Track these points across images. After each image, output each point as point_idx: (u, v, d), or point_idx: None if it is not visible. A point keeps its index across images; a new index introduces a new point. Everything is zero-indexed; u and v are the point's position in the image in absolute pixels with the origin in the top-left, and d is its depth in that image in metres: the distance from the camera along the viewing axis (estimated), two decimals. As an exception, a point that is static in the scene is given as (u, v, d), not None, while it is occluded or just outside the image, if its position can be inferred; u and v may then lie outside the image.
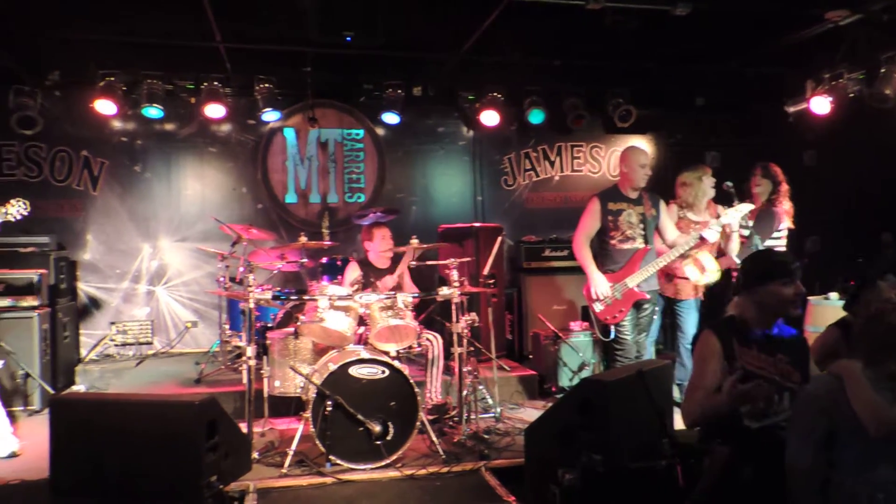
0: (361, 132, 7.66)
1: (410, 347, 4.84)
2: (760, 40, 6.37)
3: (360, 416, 4.12)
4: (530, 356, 6.68)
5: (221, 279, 6.13)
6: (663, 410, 3.32)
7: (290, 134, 7.50)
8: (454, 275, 4.70)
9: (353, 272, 5.40)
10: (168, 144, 7.27)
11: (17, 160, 6.87)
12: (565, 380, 5.84)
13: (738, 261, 5.05)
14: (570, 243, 4.96)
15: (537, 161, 8.09)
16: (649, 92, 7.67)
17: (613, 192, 4.89)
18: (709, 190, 5.43)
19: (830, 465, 2.44)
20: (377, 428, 4.15)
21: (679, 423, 3.56)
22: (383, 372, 4.26)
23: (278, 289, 5.39)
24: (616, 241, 4.78)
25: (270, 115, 7.01)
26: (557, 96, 7.48)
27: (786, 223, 5.37)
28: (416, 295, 4.86)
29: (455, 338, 4.69)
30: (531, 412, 5.35)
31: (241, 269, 5.98)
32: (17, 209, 4.46)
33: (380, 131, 7.67)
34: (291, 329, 4.89)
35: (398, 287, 5.31)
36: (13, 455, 4.35)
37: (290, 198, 7.51)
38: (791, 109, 7.14)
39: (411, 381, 4.28)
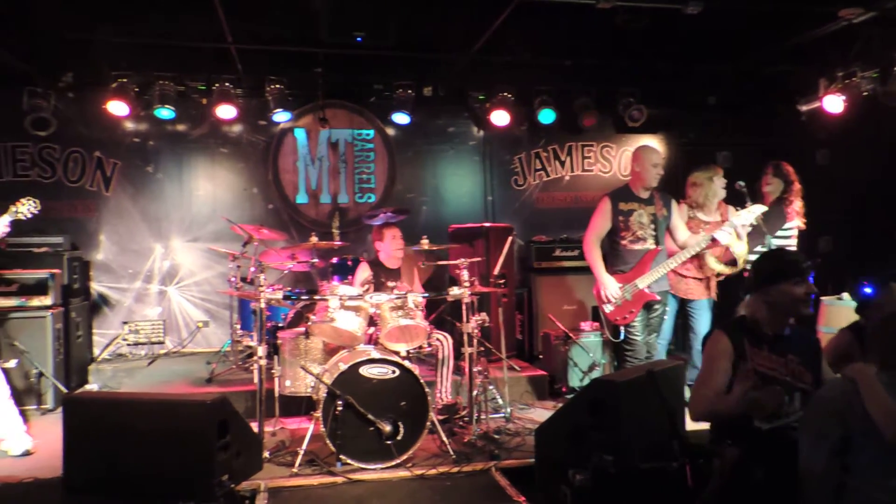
0: (372, 132, 7.67)
1: (421, 347, 4.84)
2: (773, 39, 6.33)
3: (370, 416, 4.12)
4: (540, 356, 6.67)
5: (233, 279, 6.16)
6: (674, 411, 3.30)
7: (300, 134, 7.52)
8: (465, 275, 4.69)
9: (364, 272, 5.41)
10: (180, 145, 7.31)
11: (31, 161, 6.93)
12: (576, 380, 5.82)
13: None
14: (580, 243, 4.93)
15: (548, 161, 8.08)
16: (660, 91, 7.63)
17: (624, 192, 4.84)
18: (719, 190, 5.39)
19: (845, 469, 2.41)
20: (388, 428, 4.15)
21: (690, 423, 3.55)
22: (394, 372, 4.26)
23: (289, 289, 5.41)
24: (627, 241, 4.75)
25: (281, 116, 7.03)
26: (568, 96, 7.46)
27: (795, 222, 5.30)
28: (427, 295, 4.86)
29: (465, 338, 4.69)
30: (541, 412, 5.34)
31: (253, 269, 6.01)
32: (27, 207, 4.49)
33: (390, 131, 7.68)
34: (302, 329, 4.90)
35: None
36: (27, 453, 4.39)
37: (301, 198, 7.53)
38: (804, 108, 7.09)
39: (422, 380, 4.28)
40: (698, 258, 5.12)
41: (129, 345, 6.94)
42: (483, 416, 4.85)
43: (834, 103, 6.49)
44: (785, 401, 2.82)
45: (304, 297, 5.43)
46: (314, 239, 5.34)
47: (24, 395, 5.30)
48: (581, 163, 8.14)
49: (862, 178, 7.50)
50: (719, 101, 7.89)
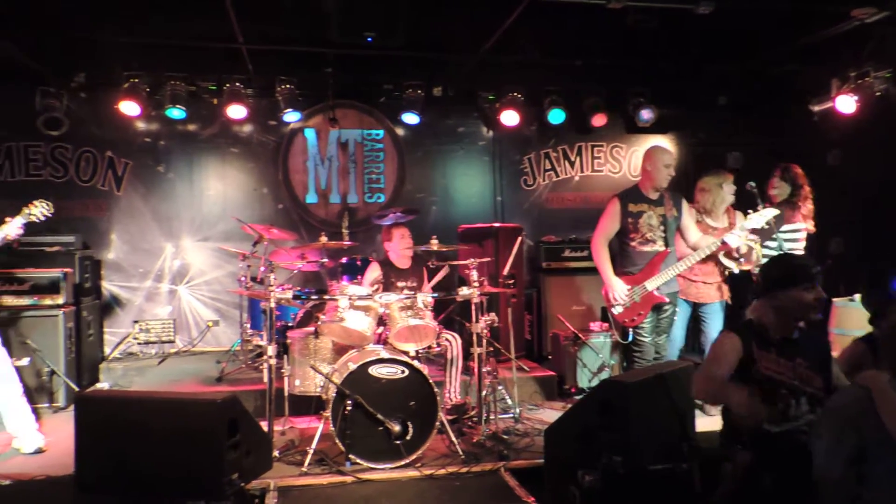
0: (381, 132, 7.68)
1: (430, 347, 4.84)
2: (784, 38, 6.29)
3: (379, 416, 4.13)
4: (549, 357, 6.66)
5: (243, 279, 6.18)
6: (684, 413, 3.29)
7: (310, 134, 7.54)
8: (474, 275, 4.69)
9: (374, 272, 5.43)
10: (190, 145, 7.35)
11: (44, 161, 6.98)
12: (585, 381, 5.81)
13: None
14: (589, 244, 4.91)
15: (557, 161, 8.06)
16: (671, 91, 7.60)
17: (634, 193, 4.80)
18: (728, 196, 5.32)
19: (860, 480, 2.37)
20: (397, 427, 4.16)
21: (700, 425, 3.54)
22: (403, 372, 4.26)
23: (298, 288, 5.42)
24: (636, 243, 4.70)
25: (291, 116, 7.05)
26: (578, 96, 7.45)
27: (801, 224, 5.24)
28: (436, 295, 4.86)
29: (474, 338, 4.69)
30: (550, 413, 5.33)
31: (262, 268, 6.05)
32: (40, 210, 4.50)
33: (400, 131, 7.69)
34: (312, 328, 4.91)
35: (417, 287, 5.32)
36: (39, 451, 4.43)
37: (311, 198, 7.56)
38: (816, 108, 7.04)
39: (431, 380, 4.28)
40: (708, 260, 5.07)
41: (139, 343, 6.98)
42: (492, 417, 4.85)
43: (846, 103, 6.45)
44: (791, 404, 2.81)
45: (313, 297, 5.43)
46: (324, 239, 5.34)
47: (36, 393, 5.34)
48: (591, 163, 8.12)
49: (874, 179, 7.44)
50: (730, 101, 7.84)
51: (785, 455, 2.67)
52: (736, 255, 5.06)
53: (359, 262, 6.15)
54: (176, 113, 6.77)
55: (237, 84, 6.88)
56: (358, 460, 4.11)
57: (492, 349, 5.04)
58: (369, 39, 5.31)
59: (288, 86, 6.89)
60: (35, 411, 4.65)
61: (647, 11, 5.18)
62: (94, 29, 5.84)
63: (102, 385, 6.01)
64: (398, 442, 4.16)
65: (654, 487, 2.95)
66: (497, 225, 6.83)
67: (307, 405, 4.98)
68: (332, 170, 7.59)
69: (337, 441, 4.11)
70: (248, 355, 6.20)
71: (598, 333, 5.94)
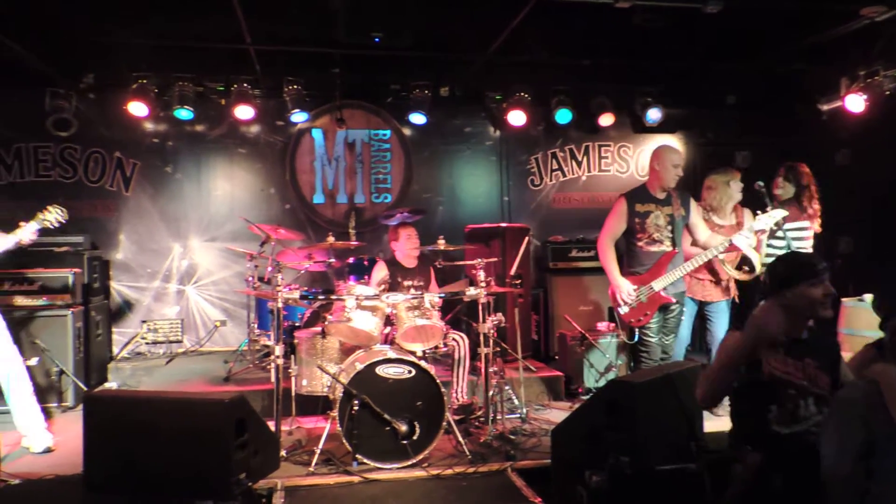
0: (388, 132, 7.69)
1: (437, 347, 4.84)
2: (793, 37, 6.26)
3: (386, 416, 4.13)
4: (556, 357, 6.65)
5: (250, 279, 6.20)
6: (692, 413, 3.28)
7: (317, 135, 7.55)
8: (481, 275, 4.69)
9: (381, 272, 5.44)
10: (198, 145, 7.37)
11: (53, 161, 7.02)
12: (592, 381, 5.80)
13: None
14: (596, 244, 4.88)
15: (564, 161, 8.05)
16: (678, 90, 7.58)
17: (641, 193, 4.77)
18: (735, 194, 5.30)
19: (869, 474, 2.36)
20: (403, 427, 4.16)
21: (708, 426, 3.52)
22: (410, 372, 4.26)
23: (306, 288, 5.43)
24: (643, 243, 4.68)
25: (298, 117, 7.07)
26: (585, 96, 7.44)
27: (804, 223, 5.18)
28: (443, 295, 4.86)
29: (481, 338, 4.69)
30: (557, 413, 5.33)
31: (270, 268, 6.07)
32: (54, 216, 4.50)
33: (407, 132, 7.70)
34: (319, 328, 4.92)
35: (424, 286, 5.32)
36: (48, 450, 4.45)
37: (318, 198, 7.57)
38: (825, 108, 7.01)
39: (438, 381, 4.28)
40: (714, 262, 5.04)
41: (147, 343, 7.01)
42: (499, 417, 4.85)
43: (855, 103, 6.41)
44: (801, 405, 2.79)
45: (320, 297, 5.45)
46: (331, 239, 5.35)
47: (44, 393, 5.36)
48: (598, 163, 8.10)
49: (883, 179, 7.40)
50: (738, 100, 7.82)
51: (794, 456, 2.65)
52: (740, 264, 5.05)
53: (366, 262, 6.16)
54: (184, 114, 6.80)
55: (245, 85, 6.90)
56: (365, 460, 4.11)
57: (499, 349, 5.03)
58: (377, 40, 5.32)
59: (295, 86, 6.91)
60: (44, 411, 4.67)
61: (654, 10, 5.16)
62: (103, 30, 5.87)
63: (111, 385, 6.04)
64: (405, 442, 4.16)
65: (662, 488, 2.94)
66: (504, 225, 6.83)
67: (314, 405, 4.99)
68: (339, 170, 7.60)
69: (344, 441, 4.12)
70: (255, 355, 6.21)
71: (605, 334, 5.92)
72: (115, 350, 6.96)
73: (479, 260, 4.74)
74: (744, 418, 2.89)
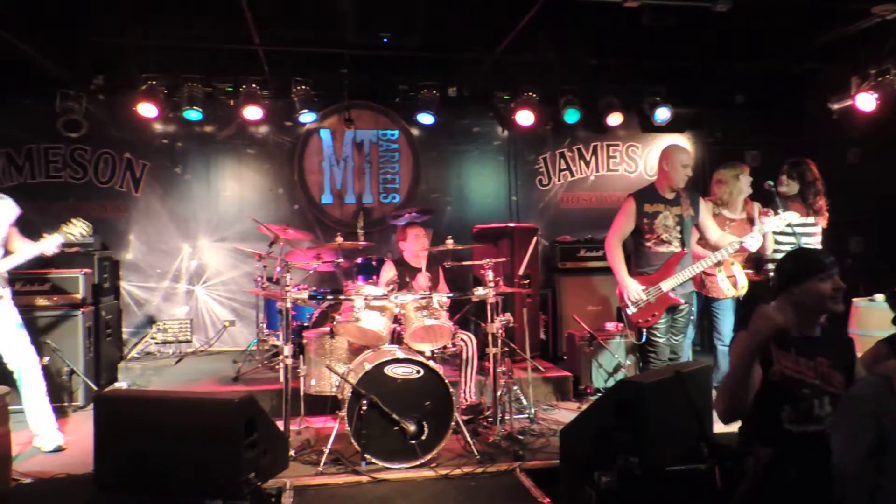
0: (396, 133, 7.70)
1: (445, 347, 4.84)
2: (803, 36, 6.22)
3: (395, 416, 4.14)
4: (564, 357, 6.64)
5: (259, 279, 6.22)
6: (702, 413, 3.27)
7: (326, 135, 7.57)
8: (489, 275, 4.69)
9: (389, 272, 5.44)
10: (207, 146, 7.40)
11: (63, 162, 7.07)
12: (600, 381, 5.79)
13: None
14: (604, 244, 4.86)
15: (572, 161, 8.04)
16: (687, 90, 7.56)
17: (650, 193, 4.72)
18: (745, 188, 5.29)
19: (880, 470, 2.35)
20: (412, 427, 4.16)
21: (718, 426, 3.50)
22: (418, 372, 4.27)
23: (314, 288, 5.44)
24: (651, 243, 4.63)
25: (307, 117, 7.09)
26: (593, 95, 7.42)
27: (809, 219, 5.13)
28: (451, 295, 4.86)
29: (490, 338, 4.68)
30: (565, 413, 5.32)
31: (279, 268, 6.09)
32: (79, 230, 4.49)
33: (415, 132, 7.70)
34: (327, 328, 4.93)
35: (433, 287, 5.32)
36: (59, 449, 4.47)
37: (326, 198, 7.58)
38: (835, 106, 6.98)
39: (446, 381, 4.28)
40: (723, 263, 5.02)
41: (157, 343, 7.04)
42: (507, 417, 4.84)
43: (866, 101, 6.38)
44: (815, 404, 2.77)
45: (329, 297, 5.46)
46: (339, 239, 5.36)
47: (55, 392, 5.37)
48: (606, 162, 8.08)
49: (894, 178, 7.36)
50: (748, 99, 7.80)
51: (807, 454, 2.64)
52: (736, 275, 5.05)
53: (374, 263, 6.16)
54: (193, 114, 6.83)
55: (253, 85, 6.93)
56: (373, 460, 4.12)
57: (507, 349, 5.03)
58: (385, 40, 5.32)
59: (303, 87, 6.93)
60: (55, 410, 4.69)
61: (663, 10, 5.14)
62: (112, 32, 5.90)
63: (121, 384, 6.06)
64: (413, 442, 4.16)
65: (672, 489, 2.92)
66: (512, 225, 6.82)
67: (323, 405, 4.99)
68: (347, 170, 7.62)
69: (352, 441, 4.12)
70: (264, 355, 6.23)
71: (613, 334, 5.90)
72: (125, 350, 7.00)
73: (488, 260, 4.73)
74: (755, 417, 2.87)
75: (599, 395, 5.59)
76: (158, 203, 7.28)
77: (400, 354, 4.31)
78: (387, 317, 4.59)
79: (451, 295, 4.84)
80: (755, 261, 5.26)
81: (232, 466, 3.13)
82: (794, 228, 4.78)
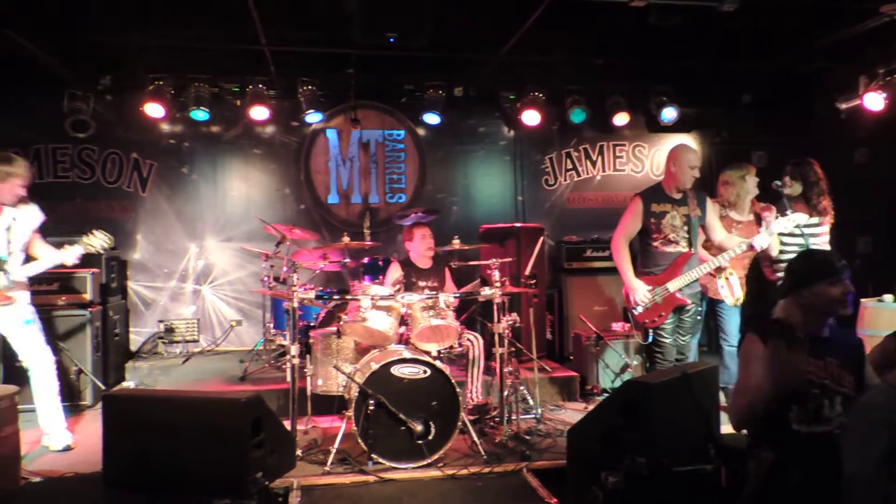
0: (402, 133, 7.70)
1: (451, 347, 4.84)
2: (810, 35, 6.20)
3: (402, 416, 4.14)
4: (571, 357, 6.63)
5: (265, 279, 6.23)
6: (709, 413, 3.26)
7: (332, 135, 7.58)
8: (495, 275, 4.69)
9: (395, 272, 5.45)
10: (214, 146, 7.43)
11: (71, 162, 7.10)
12: (607, 381, 5.78)
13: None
14: (610, 243, 4.83)
15: (579, 161, 8.03)
16: (694, 89, 7.53)
17: (657, 192, 4.69)
18: (752, 189, 5.25)
19: (892, 478, 2.34)
20: (419, 427, 4.17)
21: (725, 426, 3.50)
22: (425, 372, 4.27)
23: (321, 288, 5.45)
24: (658, 243, 4.61)
25: (313, 117, 7.10)
26: (599, 95, 7.41)
27: (814, 219, 5.10)
28: (458, 295, 4.86)
29: (496, 338, 4.68)
30: (572, 413, 5.31)
31: (285, 268, 6.09)
32: (100, 244, 4.50)
33: (421, 132, 7.71)
34: (334, 328, 4.93)
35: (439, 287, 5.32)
36: (68, 448, 4.50)
37: (332, 198, 7.60)
38: (843, 106, 6.95)
39: (453, 381, 4.29)
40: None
41: (164, 343, 7.07)
42: (514, 417, 4.84)
43: (874, 101, 6.36)
44: (825, 404, 2.76)
45: (335, 297, 5.47)
46: (346, 239, 5.37)
47: (63, 392, 5.40)
48: (613, 162, 8.07)
49: (903, 178, 7.34)
50: (755, 99, 7.76)
51: (814, 455, 2.63)
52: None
53: (380, 263, 6.17)
54: (200, 115, 6.85)
55: (260, 86, 6.94)
56: (380, 460, 4.12)
57: (513, 349, 5.03)
58: (391, 40, 5.32)
59: (310, 87, 6.94)
60: (63, 409, 4.71)
61: (669, 9, 5.12)
62: (120, 33, 5.92)
63: (128, 384, 6.09)
64: (420, 442, 4.17)
65: (679, 489, 2.92)
66: (518, 225, 6.81)
67: (330, 405, 5.01)
68: (353, 170, 7.63)
69: (359, 440, 4.13)
70: (270, 355, 6.25)
71: (620, 334, 5.89)
72: (133, 349, 7.02)
73: (494, 260, 4.73)
74: (763, 418, 2.86)
75: (606, 395, 5.58)
76: (165, 203, 7.30)
77: (406, 354, 4.31)
78: (393, 317, 4.59)
79: (457, 294, 4.84)
80: (760, 261, 5.23)
81: (239, 466, 3.15)
82: (802, 230, 4.76)
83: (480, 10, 5.58)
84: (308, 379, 4.78)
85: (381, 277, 5.62)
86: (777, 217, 4.59)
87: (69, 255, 4.42)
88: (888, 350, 3.31)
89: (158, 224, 7.30)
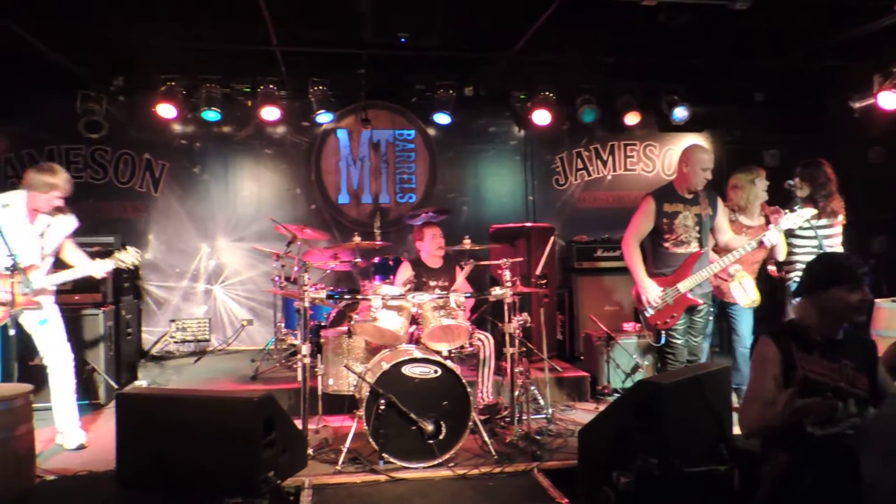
0: (413, 132, 7.71)
1: (462, 347, 4.84)
2: (823, 33, 6.15)
3: (412, 415, 4.14)
4: (581, 357, 6.62)
5: (277, 278, 6.25)
6: (721, 414, 3.25)
7: (342, 135, 7.60)
8: (506, 275, 4.68)
9: (406, 272, 5.45)
10: (225, 147, 7.46)
11: (84, 163, 7.16)
12: (618, 381, 5.76)
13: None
14: (621, 243, 4.79)
15: (589, 160, 8.01)
16: (705, 88, 7.48)
17: (669, 192, 4.64)
18: (761, 193, 5.20)
19: None
20: (430, 427, 4.17)
21: (737, 428, 3.48)
22: (436, 371, 4.27)
23: (331, 288, 5.46)
24: (669, 244, 4.57)
25: (324, 117, 7.12)
26: (610, 94, 7.38)
27: (824, 220, 5.05)
28: (469, 295, 4.85)
29: (507, 338, 4.68)
30: (582, 414, 5.30)
31: (296, 268, 6.11)
32: (130, 258, 4.53)
33: (431, 131, 7.71)
34: (345, 328, 4.95)
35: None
36: (81, 447, 4.53)
37: (343, 198, 7.61)
38: (857, 105, 6.89)
39: (464, 380, 4.28)
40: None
41: (176, 342, 7.11)
42: (524, 417, 4.83)
43: (888, 99, 6.30)
44: (839, 406, 2.74)
45: (346, 297, 5.47)
46: (356, 239, 5.38)
47: (77, 391, 5.45)
48: (623, 162, 8.04)
49: (918, 177, 7.26)
50: (767, 97, 7.70)
51: (828, 457, 2.61)
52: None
53: (391, 262, 6.18)
54: (211, 115, 6.89)
55: (271, 86, 6.97)
56: (391, 459, 4.13)
57: (524, 349, 5.02)
58: (402, 40, 5.33)
59: (320, 87, 6.96)
60: (77, 408, 4.75)
61: (679, 7, 5.09)
62: (132, 34, 5.95)
63: (141, 383, 6.13)
64: (431, 441, 4.17)
65: (691, 490, 2.91)
66: (529, 225, 6.80)
67: (341, 404, 5.02)
68: (364, 170, 7.64)
69: (370, 440, 4.13)
70: (282, 354, 6.27)
71: (631, 334, 5.87)
72: (145, 348, 7.07)
73: (505, 260, 4.72)
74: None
75: (617, 395, 5.56)
76: (177, 203, 7.34)
77: (417, 354, 4.32)
78: (404, 316, 4.60)
79: (468, 294, 4.84)
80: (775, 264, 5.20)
81: (251, 465, 3.16)
82: (816, 231, 4.72)
83: (491, 9, 5.57)
84: (319, 378, 4.79)
85: (391, 277, 5.62)
86: (786, 213, 4.54)
87: (99, 268, 4.48)
88: None
89: (170, 224, 7.34)
